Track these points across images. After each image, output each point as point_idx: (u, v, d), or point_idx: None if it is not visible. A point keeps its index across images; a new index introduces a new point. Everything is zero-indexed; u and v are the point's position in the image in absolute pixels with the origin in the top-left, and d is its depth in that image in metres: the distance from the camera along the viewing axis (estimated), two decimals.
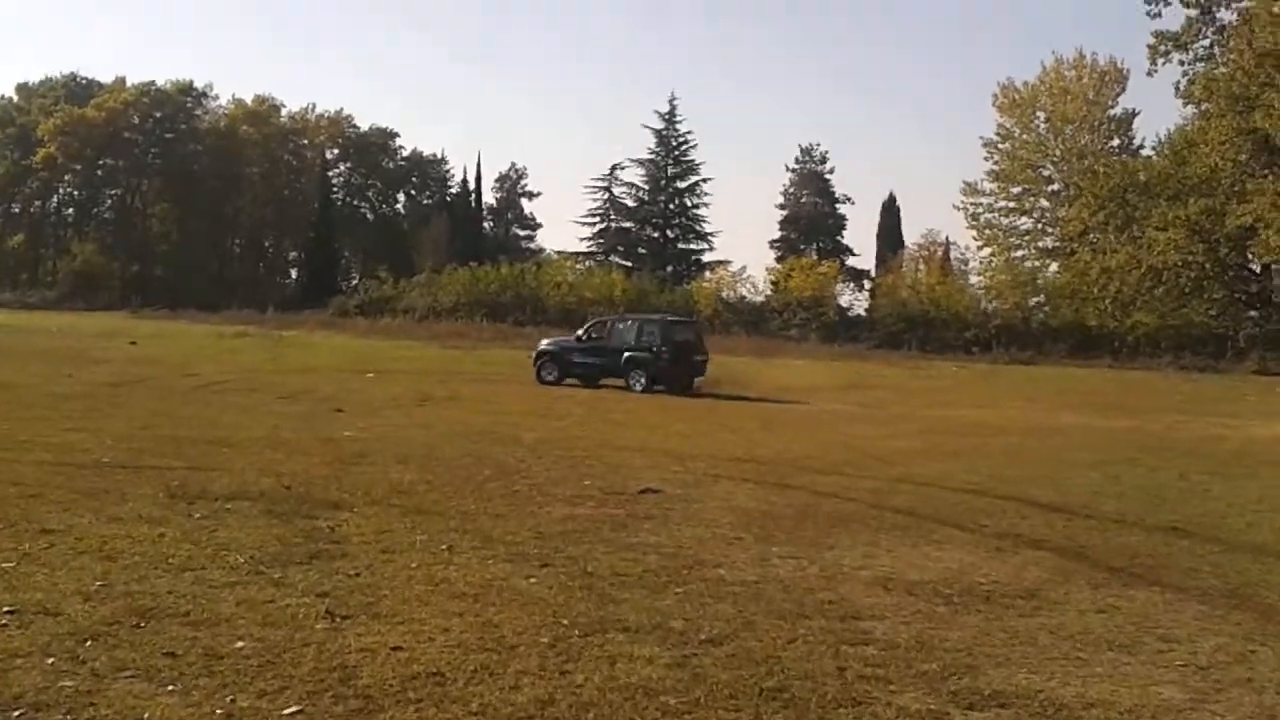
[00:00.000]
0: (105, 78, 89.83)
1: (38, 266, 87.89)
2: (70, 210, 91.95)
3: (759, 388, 26.86)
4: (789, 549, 7.72)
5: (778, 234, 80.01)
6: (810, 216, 79.12)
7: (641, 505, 9.34)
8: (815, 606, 6.10)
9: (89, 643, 4.98)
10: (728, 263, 69.79)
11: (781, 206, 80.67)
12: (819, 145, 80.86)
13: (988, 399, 26.01)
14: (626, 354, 25.18)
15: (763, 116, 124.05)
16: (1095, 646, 5.49)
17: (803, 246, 77.04)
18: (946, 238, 67.31)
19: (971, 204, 65.17)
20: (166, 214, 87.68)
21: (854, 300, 67.33)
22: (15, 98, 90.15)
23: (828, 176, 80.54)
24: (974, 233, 65.15)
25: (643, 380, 24.70)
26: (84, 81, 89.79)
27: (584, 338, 27.02)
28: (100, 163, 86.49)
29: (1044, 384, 33.75)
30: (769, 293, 62.76)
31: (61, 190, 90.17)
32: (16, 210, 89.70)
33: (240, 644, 5.07)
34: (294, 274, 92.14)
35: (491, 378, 26.22)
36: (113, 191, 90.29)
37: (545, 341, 28.07)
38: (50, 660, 4.73)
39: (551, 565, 6.91)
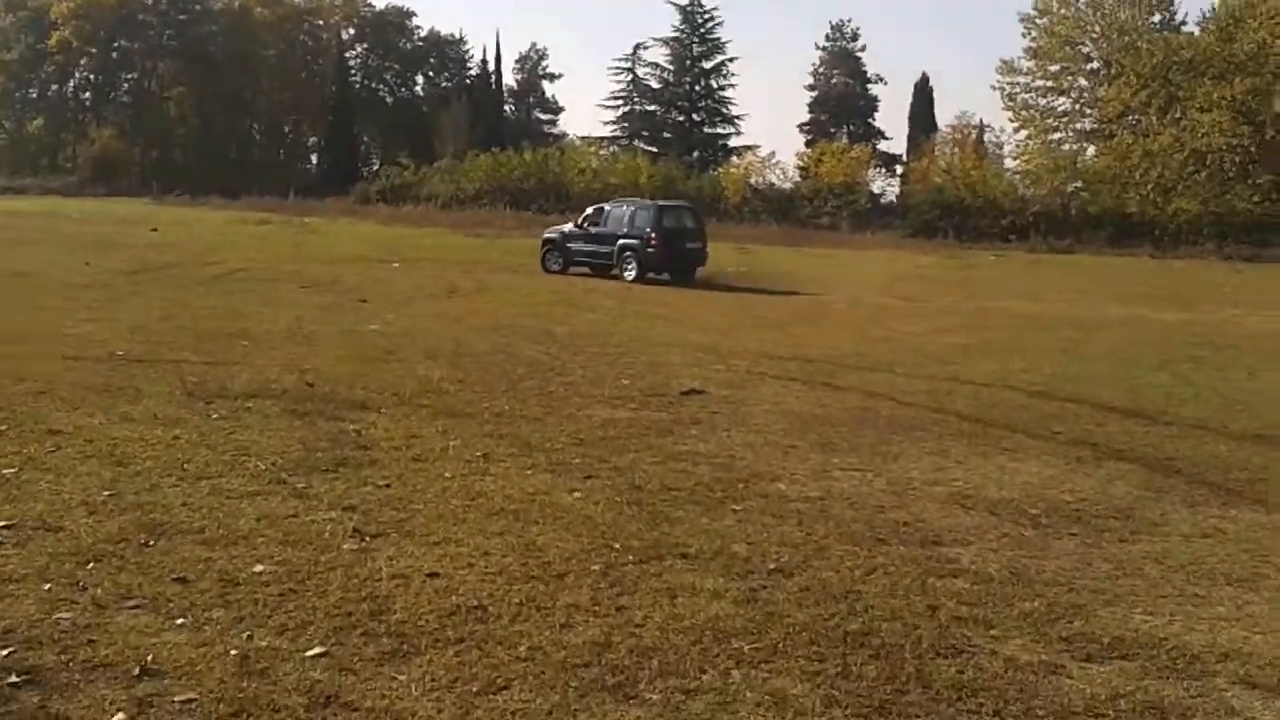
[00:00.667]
0: None
1: (57, 152, 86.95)
2: (87, 95, 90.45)
3: (794, 279, 26.04)
4: (850, 459, 7.14)
5: (807, 117, 77.87)
6: (841, 97, 76.70)
7: (686, 408, 8.76)
8: (890, 529, 5.53)
9: (91, 565, 4.49)
10: (756, 148, 68.20)
11: (811, 87, 78.25)
12: (850, 21, 78.06)
13: (1031, 290, 25.14)
14: (620, 241, 23.97)
15: None
16: (1211, 580, 4.91)
17: (833, 130, 74.99)
18: (980, 120, 65.17)
19: (1008, 83, 62.71)
20: (184, 98, 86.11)
21: (886, 186, 65.78)
22: None
23: (859, 55, 77.90)
24: (1010, 114, 62.82)
25: (634, 269, 23.55)
26: None
27: (582, 225, 25.89)
28: (115, 45, 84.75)
29: (1086, 274, 32.76)
30: (798, 179, 61.38)
31: (78, 74, 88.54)
32: (34, 95, 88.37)
33: (259, 567, 4.56)
34: (314, 159, 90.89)
35: (516, 268, 25.50)
36: (129, 75, 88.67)
37: (550, 230, 26.99)
38: (48, 586, 4.24)
39: (596, 477, 6.36)
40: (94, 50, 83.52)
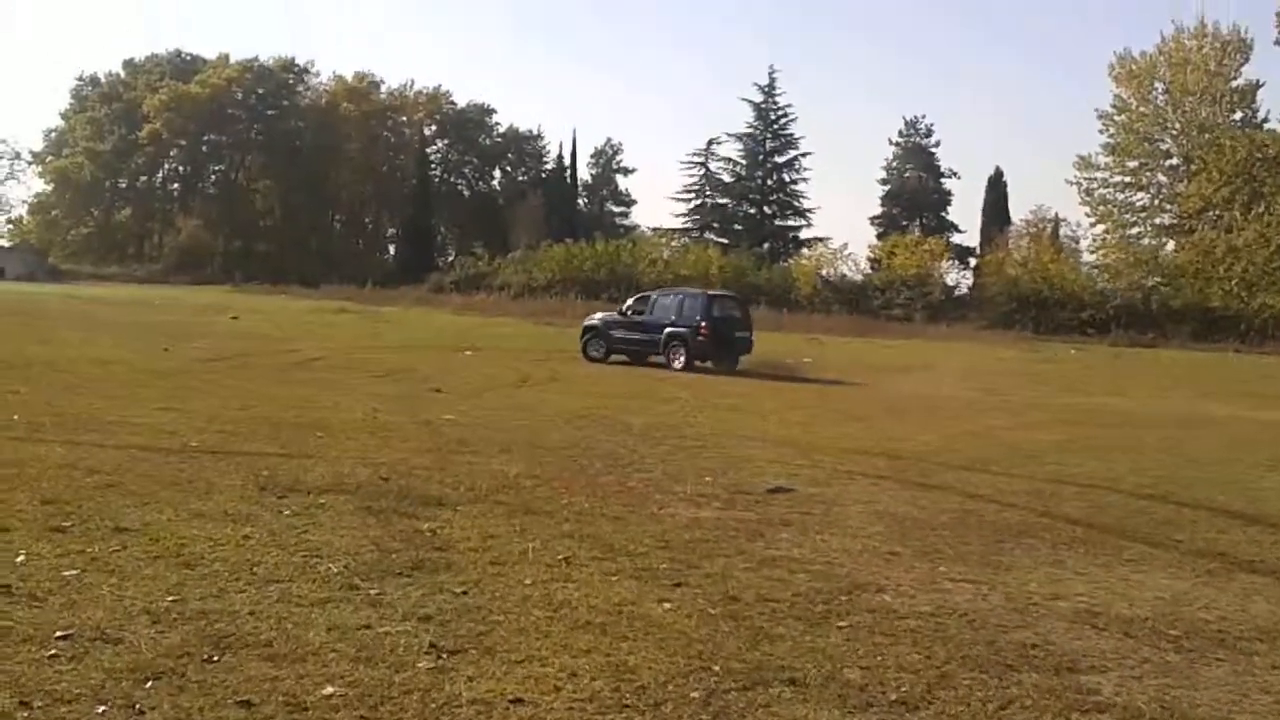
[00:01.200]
0: (209, 54, 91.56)
1: (144, 241, 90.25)
2: (175, 185, 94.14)
3: (868, 370, 25.55)
4: (958, 568, 6.60)
5: (879, 210, 77.95)
6: (914, 192, 76.71)
7: (774, 507, 8.29)
8: (1017, 652, 4.99)
9: (150, 684, 4.14)
10: (827, 239, 68.15)
11: (884, 182, 78.55)
12: (924, 118, 78.36)
13: (1117, 385, 24.30)
14: (667, 329, 24.09)
15: (864, 90, 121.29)
16: None
17: (905, 223, 74.87)
18: (1055, 214, 64.40)
19: (1085, 178, 62.51)
20: (269, 190, 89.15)
21: (959, 279, 65.08)
22: (123, 74, 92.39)
23: (932, 150, 78.03)
24: (1087, 208, 62.52)
25: (682, 357, 23.73)
26: (188, 58, 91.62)
27: (626, 313, 25.83)
28: (205, 138, 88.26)
29: (1173, 369, 31.71)
30: (869, 270, 61.00)
31: (167, 166, 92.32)
32: (124, 185, 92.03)
33: (329, 689, 4.18)
34: (392, 249, 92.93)
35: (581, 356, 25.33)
36: (217, 167, 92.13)
37: (590, 317, 26.96)
38: (102, 709, 3.90)
39: (686, 585, 5.91)
40: (184, 142, 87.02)
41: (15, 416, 11.03)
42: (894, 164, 78.33)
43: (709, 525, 7.55)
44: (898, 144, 78.43)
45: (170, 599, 5.24)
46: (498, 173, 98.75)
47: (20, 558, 5.80)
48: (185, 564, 5.91)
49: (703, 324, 23.74)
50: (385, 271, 75.31)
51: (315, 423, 11.87)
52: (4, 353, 18.65)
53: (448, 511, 7.59)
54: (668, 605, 5.51)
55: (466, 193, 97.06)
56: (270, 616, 5.05)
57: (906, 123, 78.53)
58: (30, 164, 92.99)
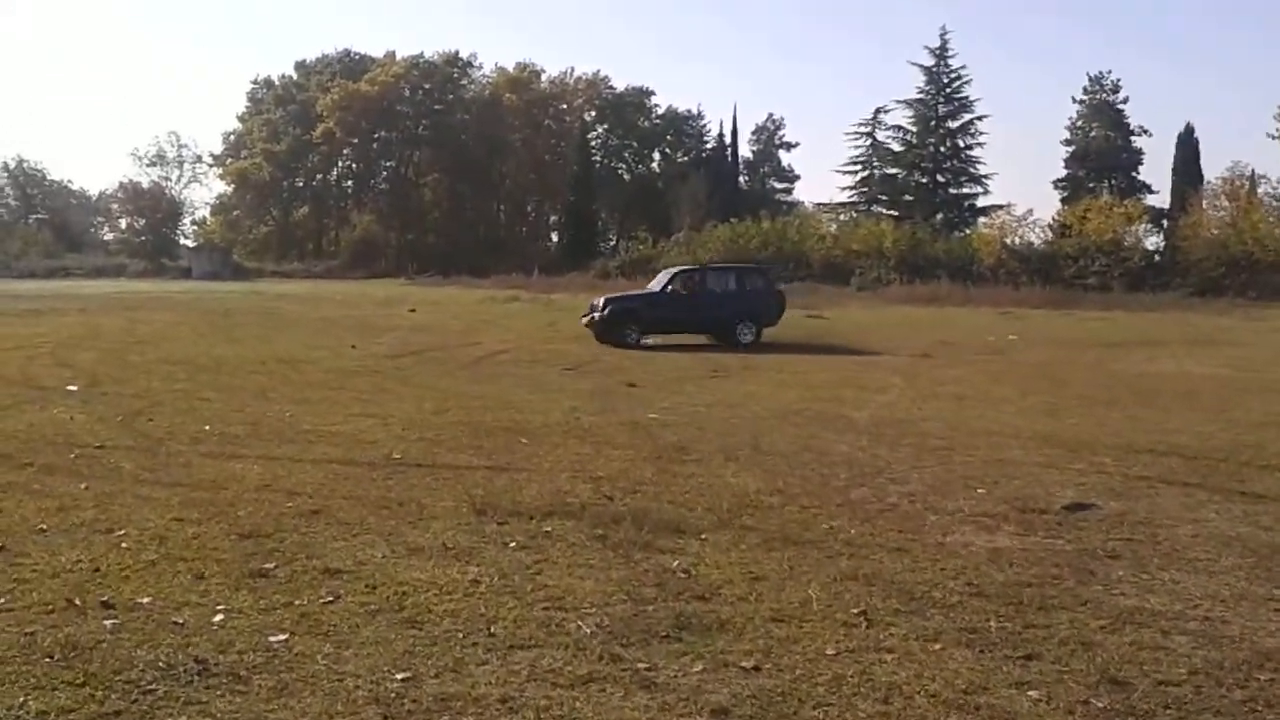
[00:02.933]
0: (376, 52, 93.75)
1: (321, 237, 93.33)
2: (349, 183, 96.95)
3: (1083, 347, 23.25)
4: None
5: (1063, 172, 73.36)
6: (1101, 152, 71.78)
7: (1085, 531, 6.80)
8: None
9: None
10: (1009, 206, 64.24)
11: (1067, 142, 73.80)
12: (1109, 73, 73.24)
13: None
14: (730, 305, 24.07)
15: (1039, 47, 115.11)
16: None
17: (1092, 185, 70.18)
18: (1253, 170, 58.87)
19: None
20: (437, 183, 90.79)
21: (1157, 244, 60.42)
22: (295, 75, 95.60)
23: (1120, 107, 72.83)
24: None
25: (751, 333, 23.69)
26: (357, 57, 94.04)
27: (668, 290, 24.47)
28: (375, 135, 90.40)
29: None
30: (1052, 238, 57.22)
31: (340, 164, 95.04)
32: (300, 184, 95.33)
33: None
34: (554, 236, 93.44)
35: (769, 342, 23.96)
36: (387, 163, 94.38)
37: (608, 298, 24.61)
38: None
39: (1039, 657, 4.55)
40: (355, 140, 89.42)
41: (207, 427, 10.49)
42: (1078, 123, 73.53)
43: (1018, 560, 6.13)
44: (1082, 102, 73.58)
45: (400, 677, 4.24)
46: (657, 155, 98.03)
47: (218, 616, 4.92)
48: (410, 621, 4.92)
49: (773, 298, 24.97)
50: (549, 258, 75.52)
51: (516, 426, 10.95)
52: (194, 353, 18.63)
53: (693, 541, 6.42)
54: (1032, 694, 4.16)
55: (627, 176, 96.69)
56: (528, 707, 3.97)
57: (1091, 79, 73.61)
58: (211, 166, 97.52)
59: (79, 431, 10.23)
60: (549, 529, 6.68)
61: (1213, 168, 64.93)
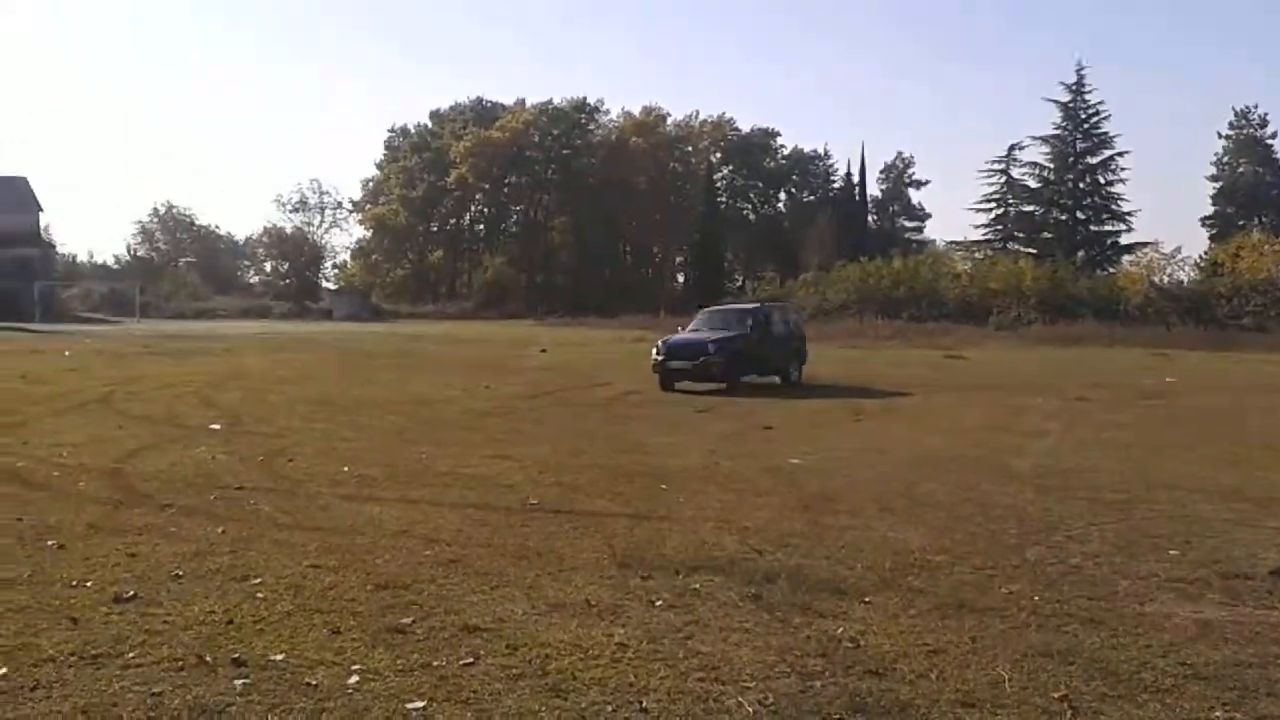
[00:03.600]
0: (507, 100, 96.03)
1: (454, 280, 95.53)
2: (481, 226, 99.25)
3: (1251, 393, 21.67)
4: None
5: (1210, 209, 70.00)
6: (1250, 188, 68.33)
7: None
8: None
9: None
10: (1154, 244, 61.32)
11: (1214, 178, 70.50)
12: (1256, 107, 69.83)
13: None
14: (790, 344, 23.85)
15: (1183, 78, 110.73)
16: None
17: (1241, 222, 66.73)
18: None
19: None
20: (565, 226, 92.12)
21: None
22: (429, 124, 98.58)
23: (1269, 141, 69.26)
24: None
25: (797, 370, 23.35)
26: (489, 105, 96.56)
27: (751, 329, 22.56)
28: (506, 181, 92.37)
29: None
30: (1199, 276, 54.29)
31: (473, 208, 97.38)
32: (435, 229, 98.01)
33: None
34: (680, 277, 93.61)
35: (910, 383, 23.07)
36: (517, 207, 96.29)
37: (712, 339, 21.43)
38: None
39: None
40: (487, 185, 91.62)
41: (345, 468, 10.38)
42: (1224, 159, 70.21)
43: (1231, 634, 5.38)
44: (1228, 137, 70.28)
45: None
46: (783, 195, 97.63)
47: (353, 679, 4.59)
48: (554, 690, 4.50)
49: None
50: (674, 298, 75.55)
51: (654, 471, 10.53)
52: (333, 393, 18.85)
53: (856, 605, 5.86)
54: None
55: (752, 217, 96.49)
56: None
57: (1237, 113, 70.44)
58: (351, 212, 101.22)
59: (220, 471, 10.24)
60: (696, 586, 6.21)
61: None
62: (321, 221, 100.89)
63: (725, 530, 7.77)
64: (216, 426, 13.95)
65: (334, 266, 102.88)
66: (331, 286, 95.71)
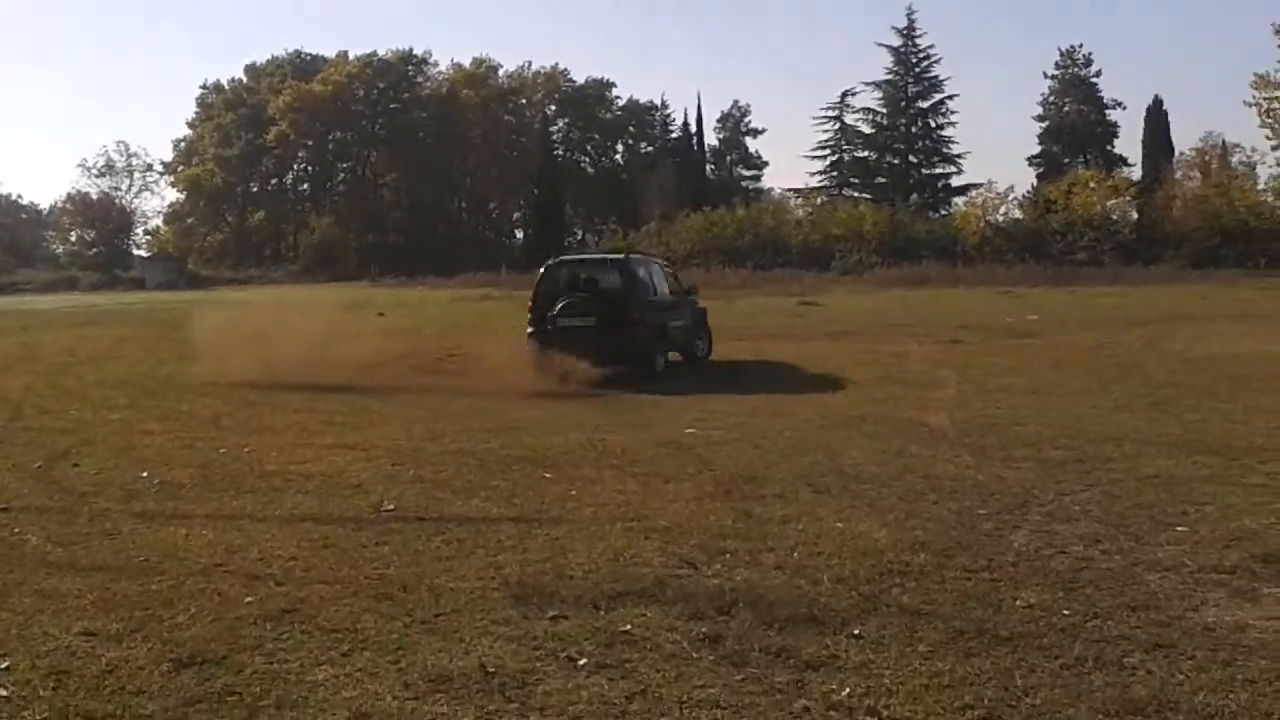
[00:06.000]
0: (328, 53, 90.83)
1: (279, 242, 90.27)
2: (305, 186, 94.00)
3: (1114, 326, 21.43)
4: None
5: (1037, 149, 72.04)
6: (1075, 126, 70.51)
7: None
8: None
9: None
10: (986, 184, 62.58)
11: (1040, 118, 72.44)
12: (1080, 47, 71.93)
13: None
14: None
15: (1009, 19, 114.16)
16: None
17: (1066, 160, 68.91)
18: (1223, 140, 57.73)
19: (1265, 98, 55.66)
20: (396, 183, 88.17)
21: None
22: (245, 79, 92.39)
23: (1093, 81, 71.61)
24: (1268, 130, 55.61)
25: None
26: (308, 58, 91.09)
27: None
28: (330, 136, 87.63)
29: None
30: (1031, 213, 55.73)
31: (296, 167, 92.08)
32: (255, 189, 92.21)
33: None
34: (519, 234, 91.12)
35: (776, 333, 22.00)
36: (344, 164, 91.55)
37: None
38: None
39: None
40: (310, 142, 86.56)
41: (145, 474, 8.28)
42: (1051, 98, 72.20)
43: None
44: (1054, 76, 72.27)
45: None
46: (621, 146, 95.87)
47: None
48: None
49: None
50: (514, 256, 73.28)
51: (530, 454, 8.84)
52: (138, 373, 16.34)
53: (844, 641, 4.39)
54: None
55: (590, 169, 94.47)
56: None
57: (1062, 53, 72.31)
58: (162, 174, 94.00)
59: None
60: (627, 626, 4.61)
61: (1182, 140, 63.75)
62: (131, 185, 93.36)
63: (639, 534, 6.18)
64: None
65: (146, 233, 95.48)
66: (144, 254, 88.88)
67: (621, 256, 17.57)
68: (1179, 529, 5.99)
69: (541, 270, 16.41)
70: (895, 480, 7.51)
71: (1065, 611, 4.68)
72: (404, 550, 5.94)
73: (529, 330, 15.47)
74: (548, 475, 7.96)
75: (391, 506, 7.00)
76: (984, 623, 4.56)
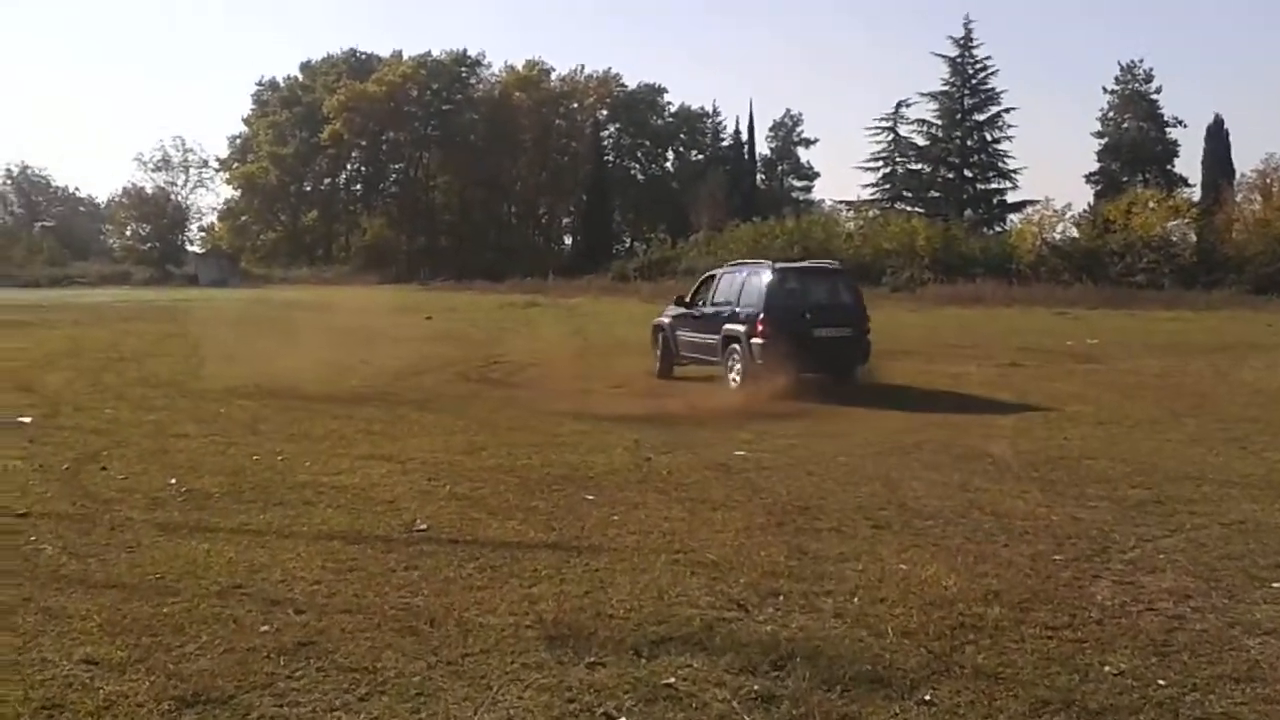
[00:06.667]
0: (383, 52, 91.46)
1: (331, 242, 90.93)
2: (358, 186, 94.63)
3: (1183, 354, 20.62)
4: None
5: (1095, 166, 70.47)
6: (1135, 144, 68.83)
7: None
8: None
9: None
10: (1046, 201, 61.25)
11: (1099, 135, 70.80)
12: (1141, 62, 70.30)
13: None
14: (725, 326, 14.92)
15: (1069, 34, 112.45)
16: None
17: (1125, 179, 67.28)
18: None
19: None
20: (448, 185, 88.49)
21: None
22: (300, 77, 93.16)
23: (1154, 97, 69.91)
24: None
25: (738, 371, 14.59)
26: (363, 56, 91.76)
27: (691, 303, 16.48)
28: (384, 137, 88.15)
29: None
30: (1088, 233, 54.39)
31: (349, 167, 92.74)
32: (308, 188, 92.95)
33: None
34: (568, 239, 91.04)
35: None
36: (396, 165, 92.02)
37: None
38: None
39: None
40: (363, 142, 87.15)
41: (173, 480, 8.00)
42: (1110, 115, 70.58)
43: None
44: (1113, 92, 70.64)
45: None
46: (671, 154, 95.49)
47: None
48: None
49: (761, 318, 14.17)
50: (563, 261, 73.15)
51: (572, 473, 8.45)
52: (179, 373, 16.19)
53: (911, 708, 3.94)
54: None
55: (640, 176, 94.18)
56: None
57: (1122, 68, 70.66)
58: (217, 171, 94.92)
59: (5, 487, 7.78)
60: (670, 679, 4.19)
61: (1242, 162, 61.99)
62: (186, 181, 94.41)
63: (685, 568, 5.76)
64: (26, 419, 11.34)
65: (200, 229, 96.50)
66: (198, 250, 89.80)
67: (838, 266, 17.37)
68: (1274, 585, 5.46)
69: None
70: (961, 518, 7.02)
71: (1161, 681, 4.19)
72: (433, 577, 5.57)
73: (752, 339, 14.13)
74: (590, 497, 7.56)
75: (424, 526, 6.63)
76: (1070, 692, 4.08)
